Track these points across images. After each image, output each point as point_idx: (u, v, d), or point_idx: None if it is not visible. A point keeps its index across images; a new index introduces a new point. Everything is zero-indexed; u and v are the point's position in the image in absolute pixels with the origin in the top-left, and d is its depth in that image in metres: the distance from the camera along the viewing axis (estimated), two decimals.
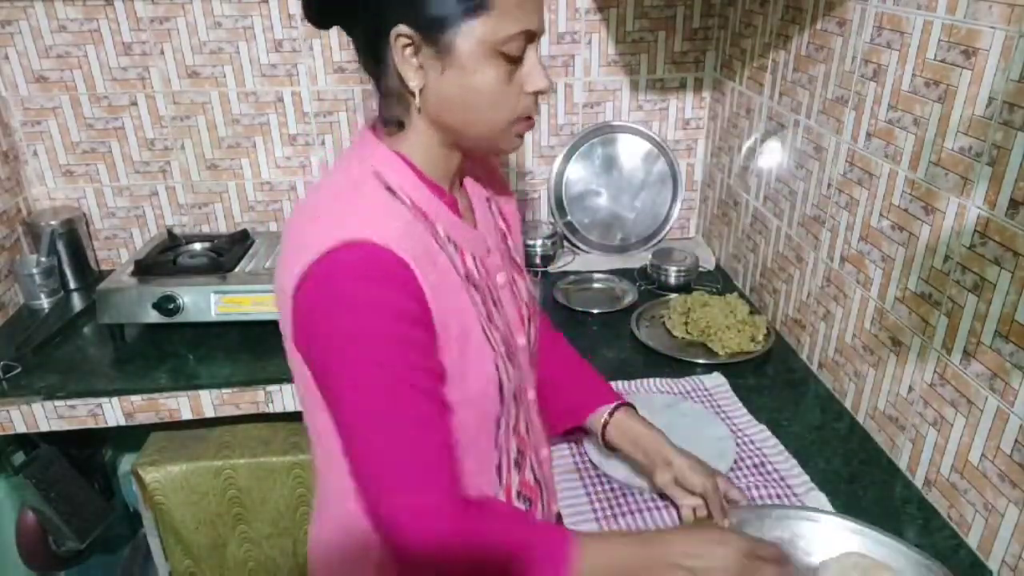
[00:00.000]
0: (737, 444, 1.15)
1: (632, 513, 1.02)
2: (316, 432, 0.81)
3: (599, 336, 1.51)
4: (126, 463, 1.80)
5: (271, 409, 1.40)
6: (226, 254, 1.56)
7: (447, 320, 0.74)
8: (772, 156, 1.49)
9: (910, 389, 1.08)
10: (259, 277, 1.48)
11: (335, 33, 1.49)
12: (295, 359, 0.77)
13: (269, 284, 1.44)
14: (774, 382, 1.35)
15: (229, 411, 1.39)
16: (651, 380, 1.33)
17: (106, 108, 1.69)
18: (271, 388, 1.38)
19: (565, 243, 1.87)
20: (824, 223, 1.30)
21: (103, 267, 1.82)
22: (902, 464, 1.11)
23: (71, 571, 1.72)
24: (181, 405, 1.37)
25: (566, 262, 1.81)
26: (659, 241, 1.87)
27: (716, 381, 1.32)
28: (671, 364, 1.39)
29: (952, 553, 0.97)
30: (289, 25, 1.65)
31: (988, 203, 0.90)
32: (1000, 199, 0.88)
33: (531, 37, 0.74)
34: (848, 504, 1.01)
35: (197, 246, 1.63)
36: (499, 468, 0.85)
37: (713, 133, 1.82)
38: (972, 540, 0.97)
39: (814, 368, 1.37)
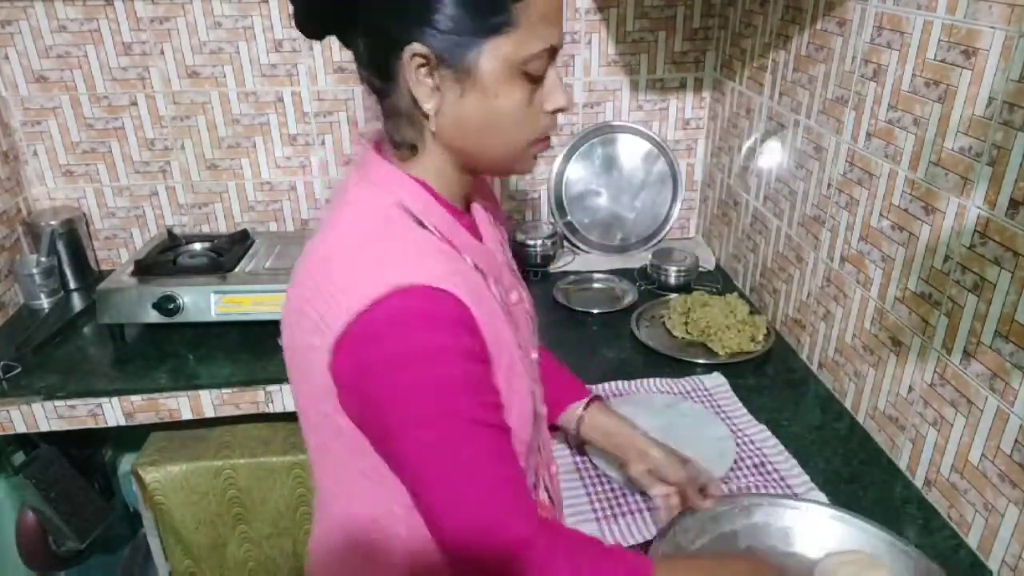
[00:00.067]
0: (737, 444, 1.15)
1: (632, 513, 1.03)
2: (318, 441, 0.79)
3: (599, 336, 1.51)
4: (126, 463, 1.79)
5: (271, 409, 1.40)
6: (226, 254, 1.56)
7: (498, 351, 0.71)
8: (772, 156, 1.49)
9: (910, 389, 1.08)
10: (259, 277, 1.48)
11: None
12: (308, 384, 0.73)
13: (269, 284, 1.46)
14: (774, 382, 1.35)
15: (229, 411, 1.39)
16: (651, 380, 1.33)
17: (106, 108, 1.69)
18: (271, 388, 1.38)
19: (565, 243, 1.87)
20: (824, 223, 1.30)
21: (103, 267, 1.82)
22: (902, 464, 1.11)
23: (71, 571, 1.72)
24: (181, 405, 1.37)
25: (566, 262, 1.81)
26: (659, 241, 1.87)
27: (716, 381, 1.32)
28: (671, 364, 1.39)
29: (952, 553, 0.97)
30: (289, 25, 1.65)
31: (988, 203, 0.90)
32: (1000, 199, 0.88)
33: (553, 53, 0.71)
34: (848, 504, 1.01)
35: (197, 246, 1.63)
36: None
37: (713, 133, 1.82)
38: (972, 540, 0.97)
39: (814, 368, 1.37)
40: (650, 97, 1.82)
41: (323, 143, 1.78)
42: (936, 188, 1.00)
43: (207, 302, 1.43)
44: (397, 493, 0.73)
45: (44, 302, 1.64)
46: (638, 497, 1.05)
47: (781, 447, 1.15)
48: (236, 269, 1.52)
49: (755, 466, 1.11)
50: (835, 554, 0.90)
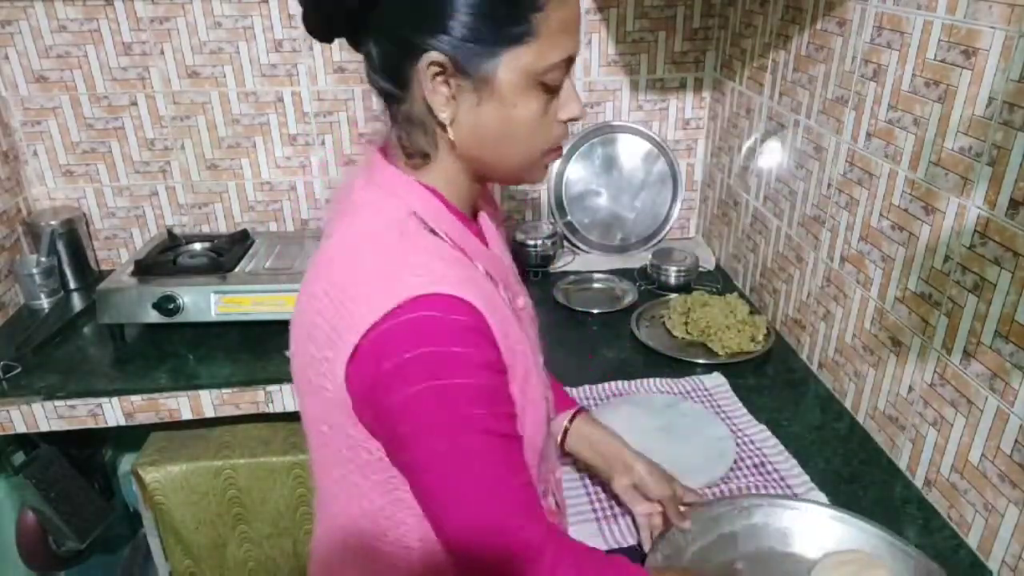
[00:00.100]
0: (737, 444, 1.15)
1: (628, 515, 1.02)
2: (325, 454, 0.78)
3: (599, 336, 1.51)
4: (126, 463, 1.79)
5: (271, 409, 1.40)
6: (226, 254, 1.56)
7: (513, 360, 0.71)
8: (772, 156, 1.49)
9: (910, 389, 1.08)
10: (259, 277, 1.48)
11: None
12: (318, 397, 0.72)
13: (269, 284, 1.46)
14: (774, 382, 1.35)
15: (229, 411, 1.39)
16: (651, 380, 1.33)
17: (106, 108, 1.69)
18: (271, 388, 1.38)
19: (565, 243, 1.86)
20: (824, 223, 1.30)
21: (103, 267, 1.82)
22: (902, 464, 1.11)
23: (71, 571, 1.72)
24: (181, 405, 1.37)
25: (566, 262, 1.81)
26: (659, 241, 1.87)
27: (716, 381, 1.32)
28: (671, 364, 1.39)
29: (952, 553, 0.97)
30: (289, 25, 1.65)
31: (988, 203, 0.90)
32: (1000, 199, 0.88)
33: (570, 63, 0.70)
34: (848, 504, 1.01)
35: (197, 246, 1.63)
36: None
37: (713, 133, 1.82)
38: (972, 540, 0.97)
39: (814, 368, 1.37)
40: (650, 97, 1.82)
41: (323, 143, 1.78)
42: (936, 188, 1.00)
43: (207, 302, 1.43)
44: (409, 504, 0.73)
45: (44, 302, 1.64)
46: None
47: (781, 447, 1.15)
48: (236, 269, 1.52)
49: (755, 466, 1.11)
50: (835, 554, 0.90)
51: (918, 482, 1.08)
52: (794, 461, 1.12)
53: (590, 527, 1.00)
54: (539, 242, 1.74)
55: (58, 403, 1.33)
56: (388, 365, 0.64)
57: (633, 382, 1.32)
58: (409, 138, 0.73)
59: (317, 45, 1.68)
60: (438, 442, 0.66)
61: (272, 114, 1.74)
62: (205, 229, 1.83)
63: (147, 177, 1.77)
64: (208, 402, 1.38)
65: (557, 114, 0.72)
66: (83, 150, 1.72)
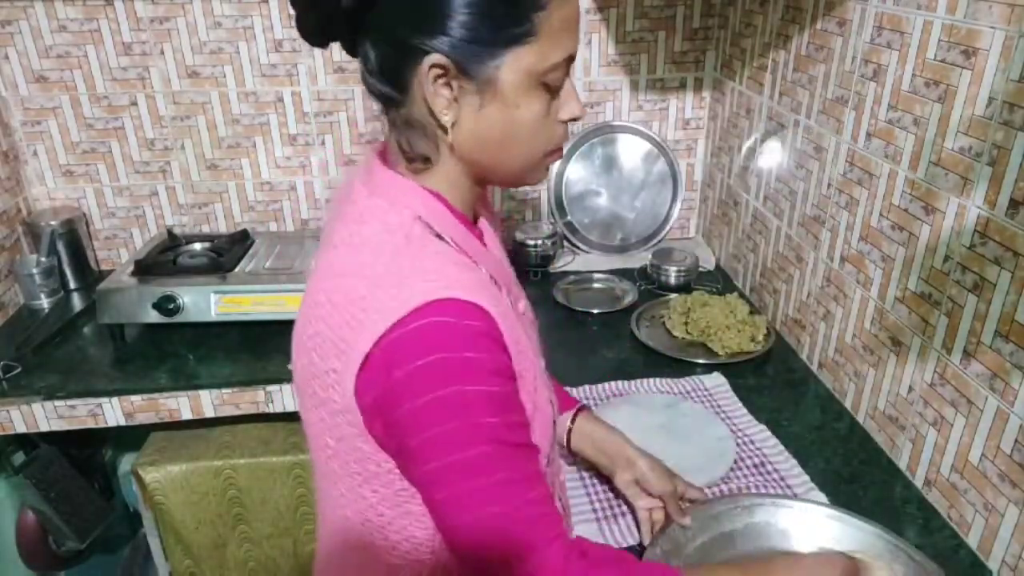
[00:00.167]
0: (737, 444, 1.15)
1: (628, 515, 1.02)
2: (330, 468, 0.76)
3: (599, 336, 1.51)
4: (126, 463, 1.79)
5: (271, 409, 1.40)
6: (226, 254, 1.56)
7: (521, 367, 0.69)
8: (772, 156, 1.49)
9: (910, 389, 1.08)
10: (259, 277, 1.48)
11: None
12: (322, 409, 0.71)
13: (269, 284, 1.46)
14: (774, 382, 1.35)
15: (229, 411, 1.39)
16: (651, 380, 1.33)
17: (106, 108, 1.69)
18: (271, 388, 1.38)
19: (565, 243, 1.86)
20: (824, 223, 1.30)
21: (103, 267, 1.82)
22: (902, 464, 1.11)
23: (71, 571, 1.72)
24: (181, 405, 1.37)
25: (566, 262, 1.81)
26: (659, 241, 1.87)
27: (716, 381, 1.32)
28: (671, 364, 1.39)
29: (952, 553, 0.97)
30: (289, 25, 1.65)
31: (988, 203, 0.90)
32: (1000, 199, 0.88)
33: (570, 62, 0.70)
34: (848, 504, 1.01)
35: (197, 246, 1.63)
36: None
37: (713, 133, 1.82)
38: (972, 540, 0.97)
39: (814, 368, 1.37)
40: (650, 97, 1.82)
41: (323, 143, 1.78)
42: (936, 188, 1.00)
43: (207, 302, 1.43)
44: (419, 517, 0.72)
45: (44, 302, 1.64)
46: None
47: (781, 447, 1.15)
48: (236, 269, 1.52)
49: (755, 466, 1.11)
50: None
51: (918, 482, 1.08)
52: (794, 461, 1.12)
53: (590, 527, 1.00)
54: (539, 242, 1.74)
55: (58, 403, 1.33)
56: (399, 373, 0.62)
57: (633, 382, 1.32)
58: (409, 142, 0.72)
59: None
60: (451, 453, 0.64)
61: (272, 114, 1.74)
62: (205, 229, 1.83)
63: (147, 177, 1.77)
64: (208, 402, 1.38)
65: (558, 114, 0.72)
66: (83, 150, 1.72)
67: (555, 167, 1.83)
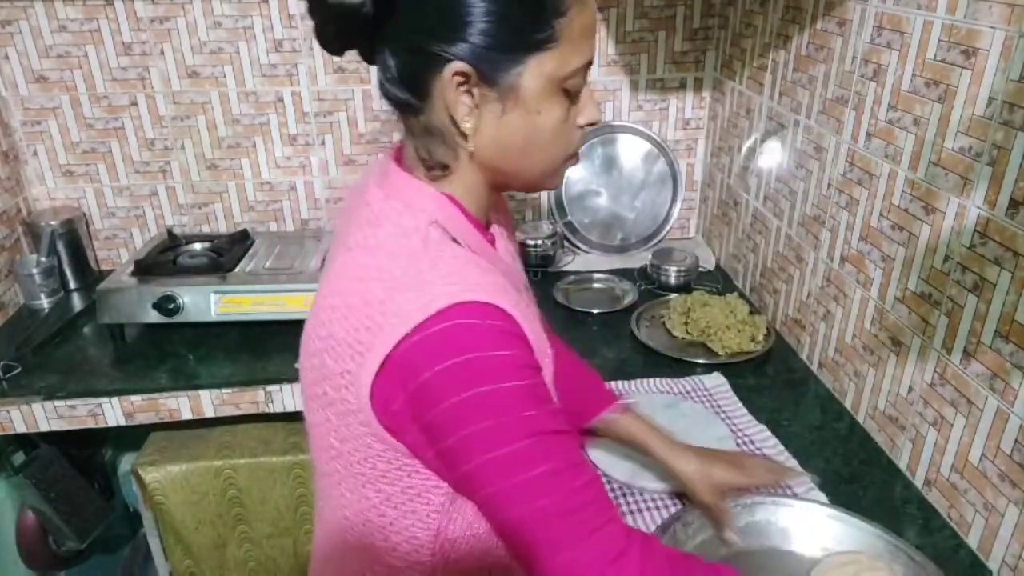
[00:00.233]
0: (737, 444, 1.15)
1: (632, 513, 1.03)
2: (335, 467, 0.76)
3: (599, 336, 1.51)
4: (126, 463, 1.79)
5: (271, 409, 1.40)
6: (226, 254, 1.56)
7: (542, 364, 0.69)
8: (772, 156, 1.49)
9: (910, 389, 1.08)
10: (259, 277, 1.48)
11: None
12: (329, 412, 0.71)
13: (269, 284, 1.46)
14: (774, 382, 1.35)
15: (229, 411, 1.39)
16: (651, 380, 1.33)
17: (106, 108, 1.69)
18: (271, 388, 1.38)
19: (565, 243, 1.87)
20: (824, 223, 1.30)
21: (103, 267, 1.82)
22: (902, 464, 1.11)
23: (71, 571, 1.72)
24: (181, 405, 1.37)
25: (566, 262, 1.81)
26: (659, 241, 1.87)
27: (716, 381, 1.32)
28: (671, 364, 1.39)
29: (952, 553, 0.97)
30: (289, 25, 1.65)
31: (988, 203, 0.90)
32: (1000, 199, 0.88)
33: (589, 67, 0.71)
34: (848, 504, 1.01)
35: (197, 246, 1.63)
36: None
37: (713, 133, 1.82)
38: (972, 540, 0.97)
39: (814, 368, 1.37)
40: (650, 97, 1.82)
41: (323, 143, 1.78)
42: (936, 188, 1.00)
43: (207, 302, 1.43)
44: (422, 517, 0.72)
45: (44, 302, 1.64)
46: (638, 497, 1.05)
47: (781, 447, 1.15)
48: (236, 269, 1.52)
49: None
50: (835, 554, 0.90)
51: (918, 482, 1.08)
52: (794, 461, 1.12)
53: None
54: (539, 242, 1.74)
55: (58, 403, 1.34)
56: (428, 375, 0.62)
57: (633, 382, 1.32)
58: (428, 149, 0.71)
59: (317, 45, 1.67)
60: (494, 449, 0.63)
61: (272, 114, 1.74)
62: (205, 229, 1.83)
63: (147, 177, 1.77)
64: (208, 402, 1.38)
65: (577, 119, 0.72)
66: (83, 150, 1.72)
67: None
